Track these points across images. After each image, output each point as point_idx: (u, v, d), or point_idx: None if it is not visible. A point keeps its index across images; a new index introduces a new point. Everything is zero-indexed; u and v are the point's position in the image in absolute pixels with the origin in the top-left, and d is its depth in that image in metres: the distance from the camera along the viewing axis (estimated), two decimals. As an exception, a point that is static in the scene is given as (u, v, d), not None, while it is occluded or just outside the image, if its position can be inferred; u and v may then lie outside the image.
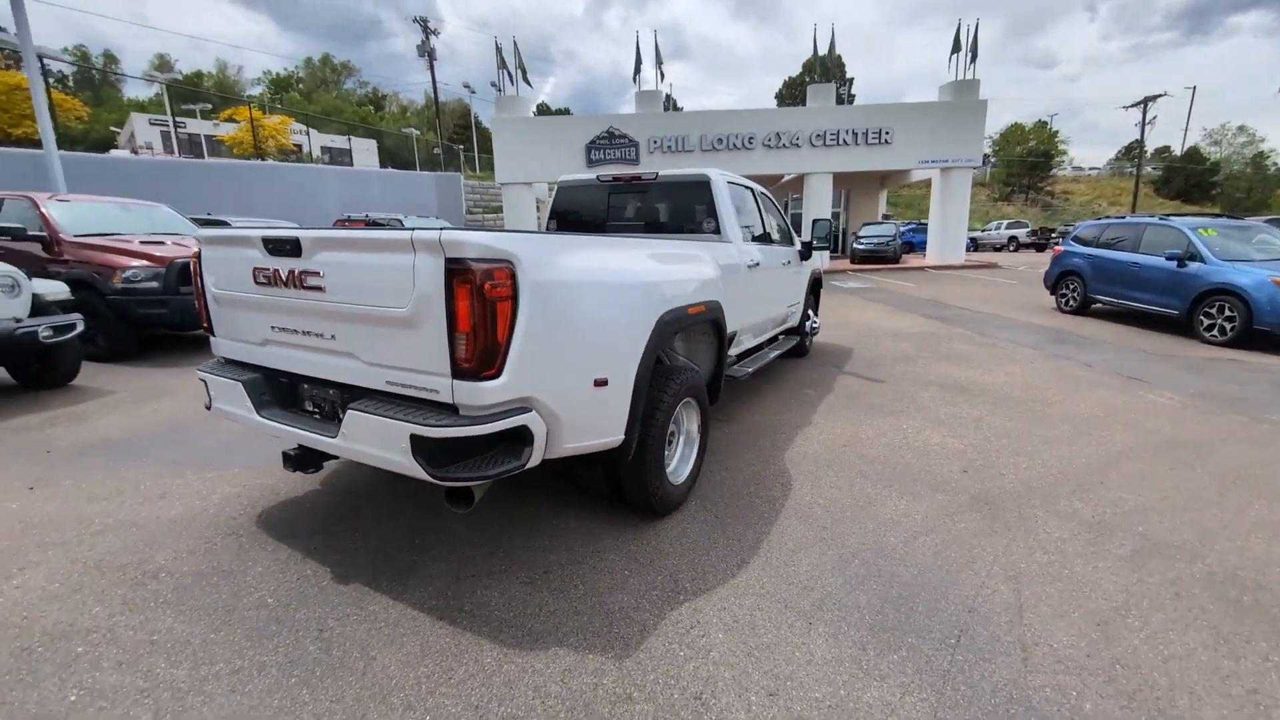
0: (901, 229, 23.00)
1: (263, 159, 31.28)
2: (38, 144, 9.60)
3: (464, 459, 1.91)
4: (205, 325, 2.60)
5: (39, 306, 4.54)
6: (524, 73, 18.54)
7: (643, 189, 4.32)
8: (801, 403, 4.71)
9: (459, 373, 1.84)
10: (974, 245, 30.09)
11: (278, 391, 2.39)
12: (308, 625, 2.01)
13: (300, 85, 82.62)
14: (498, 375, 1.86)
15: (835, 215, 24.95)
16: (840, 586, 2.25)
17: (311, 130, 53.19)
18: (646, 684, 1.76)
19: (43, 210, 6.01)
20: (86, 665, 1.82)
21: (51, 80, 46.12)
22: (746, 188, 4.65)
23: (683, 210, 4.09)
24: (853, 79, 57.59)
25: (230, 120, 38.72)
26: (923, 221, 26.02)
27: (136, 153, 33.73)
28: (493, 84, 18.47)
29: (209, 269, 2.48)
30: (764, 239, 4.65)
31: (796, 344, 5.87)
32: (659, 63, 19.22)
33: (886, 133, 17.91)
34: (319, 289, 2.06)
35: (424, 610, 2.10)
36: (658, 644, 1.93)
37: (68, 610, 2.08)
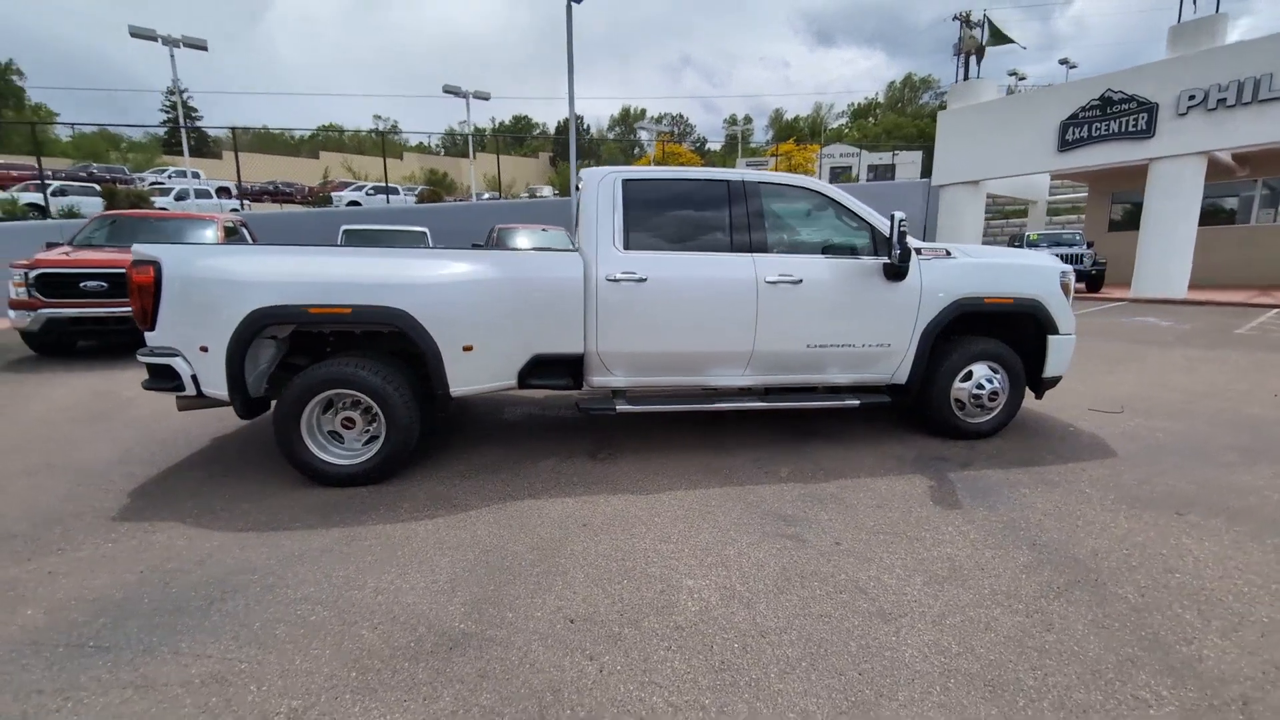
0: None
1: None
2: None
3: (159, 379, 3.23)
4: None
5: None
6: (1003, 38, 15.17)
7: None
8: (708, 469, 3.34)
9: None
10: None
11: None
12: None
13: (877, 110, 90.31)
14: (152, 329, 3.10)
15: None
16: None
17: (861, 152, 58.22)
18: None
19: (494, 235, 10.38)
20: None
21: (691, 145, 67.27)
22: (703, 180, 3.60)
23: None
24: None
25: (776, 155, 46.92)
26: None
27: None
28: (918, 78, 16.09)
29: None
30: (727, 246, 3.52)
31: (904, 404, 3.87)
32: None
33: None
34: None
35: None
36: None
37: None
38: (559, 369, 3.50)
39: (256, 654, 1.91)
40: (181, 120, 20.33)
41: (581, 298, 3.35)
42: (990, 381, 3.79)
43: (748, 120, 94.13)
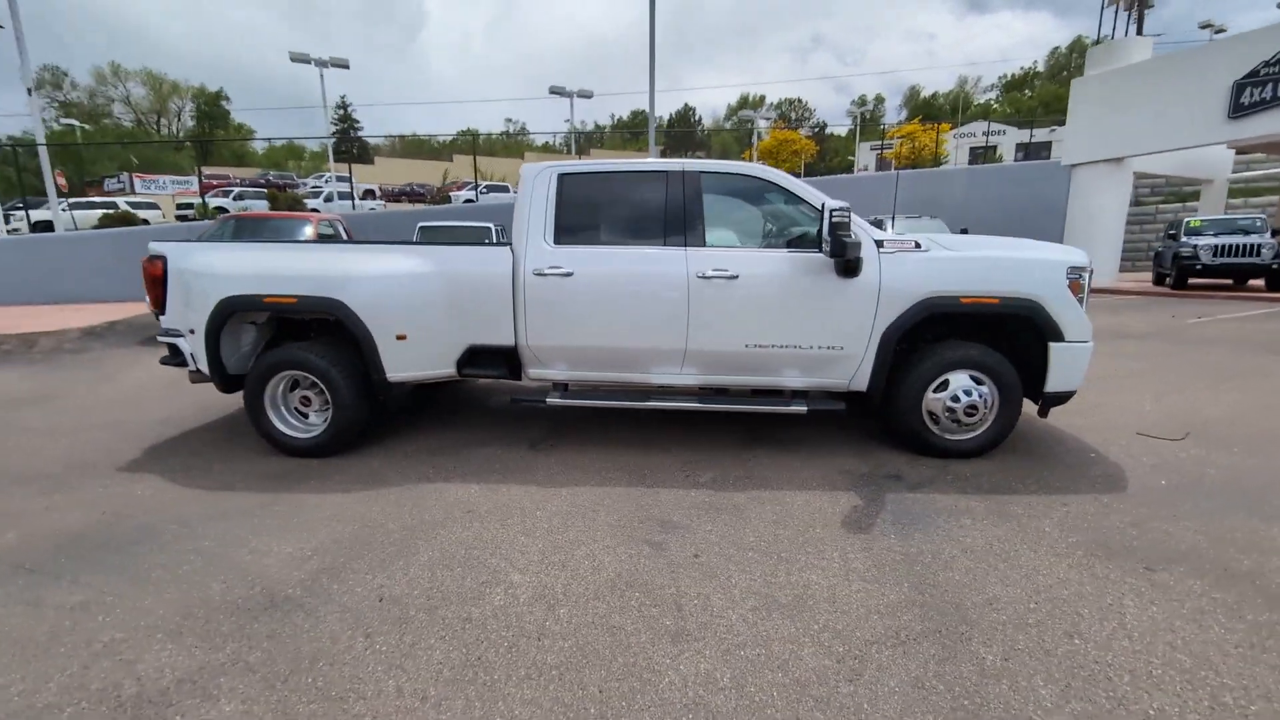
0: None
1: (910, 168, 33.56)
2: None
3: (171, 356, 3.83)
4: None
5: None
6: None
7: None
8: (632, 468, 3.25)
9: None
10: None
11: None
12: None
13: (1035, 80, 79.49)
14: (163, 313, 3.69)
15: None
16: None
17: (1007, 129, 52.43)
18: None
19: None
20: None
21: (810, 130, 63.86)
22: (634, 173, 3.52)
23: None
24: None
25: (890, 139, 43.24)
26: None
27: (852, 171, 43.75)
28: (1089, 40, 13.65)
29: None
30: (656, 238, 3.41)
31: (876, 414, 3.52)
32: None
33: None
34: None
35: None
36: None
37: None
38: (495, 360, 3.62)
39: (126, 590, 2.25)
40: (328, 131, 23.26)
41: (510, 291, 3.43)
42: (969, 394, 3.29)
43: (879, 100, 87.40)
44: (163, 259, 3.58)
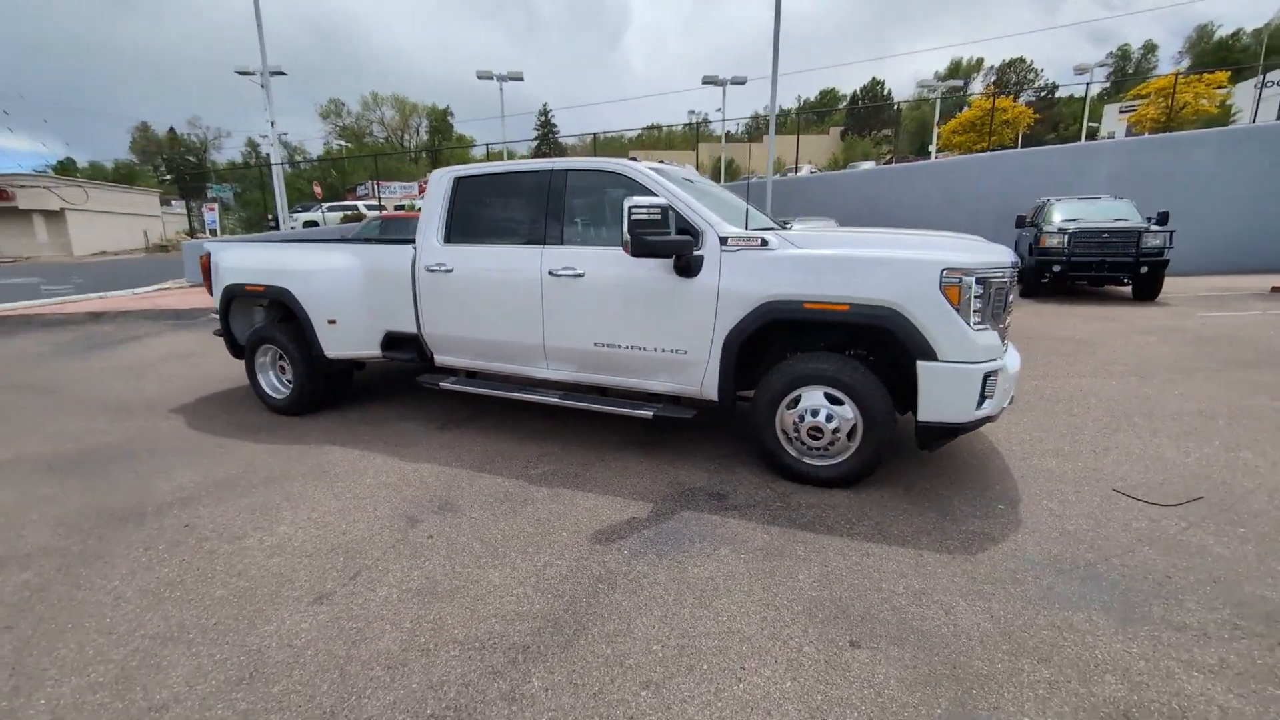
0: None
1: (1162, 131, 26.30)
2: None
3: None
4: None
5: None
6: None
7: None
8: (489, 454, 3.45)
9: (215, 292, 4.98)
10: None
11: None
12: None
13: None
14: (212, 294, 4.87)
15: None
16: (137, 449, 3.81)
17: None
18: None
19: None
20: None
21: (1033, 96, 53.51)
22: (511, 173, 3.66)
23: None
24: None
25: (1143, 95, 34.04)
26: None
27: (1091, 139, 36.30)
28: None
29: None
30: (527, 239, 3.55)
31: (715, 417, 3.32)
32: None
33: None
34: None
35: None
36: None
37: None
38: (407, 345, 4.08)
39: (74, 491, 3.18)
40: (503, 136, 26.30)
41: (410, 285, 3.85)
42: (817, 413, 2.84)
43: (1149, 48, 69.42)
44: (209, 254, 4.74)
